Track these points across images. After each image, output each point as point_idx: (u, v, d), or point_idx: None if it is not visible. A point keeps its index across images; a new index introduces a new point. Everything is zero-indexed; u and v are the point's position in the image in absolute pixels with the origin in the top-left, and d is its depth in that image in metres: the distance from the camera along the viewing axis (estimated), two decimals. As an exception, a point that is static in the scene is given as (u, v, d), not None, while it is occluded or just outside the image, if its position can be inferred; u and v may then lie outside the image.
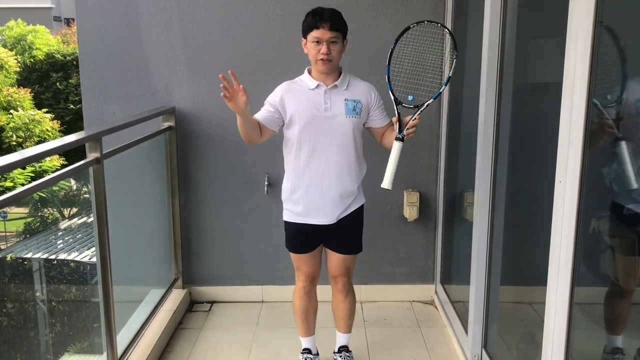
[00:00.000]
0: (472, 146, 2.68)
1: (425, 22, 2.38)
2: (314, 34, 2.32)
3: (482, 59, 2.54)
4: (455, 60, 2.31)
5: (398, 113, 2.35)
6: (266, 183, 3.41)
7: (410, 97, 2.37)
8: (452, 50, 2.33)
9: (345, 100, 2.41)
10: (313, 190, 2.46)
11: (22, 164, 1.92)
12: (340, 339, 2.79)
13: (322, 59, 2.34)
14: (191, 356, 2.94)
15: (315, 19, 2.31)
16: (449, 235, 3.41)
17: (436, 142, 3.42)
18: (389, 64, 2.38)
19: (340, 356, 2.76)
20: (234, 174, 3.46)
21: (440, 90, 2.35)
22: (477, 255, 2.65)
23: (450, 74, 2.32)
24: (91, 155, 2.32)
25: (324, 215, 2.49)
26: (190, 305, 3.52)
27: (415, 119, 2.30)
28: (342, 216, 2.51)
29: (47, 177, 2.20)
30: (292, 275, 3.55)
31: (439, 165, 3.45)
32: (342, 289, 2.65)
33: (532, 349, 2.20)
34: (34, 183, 2.08)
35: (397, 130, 2.31)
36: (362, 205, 2.59)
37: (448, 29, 2.41)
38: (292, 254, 2.63)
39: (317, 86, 2.43)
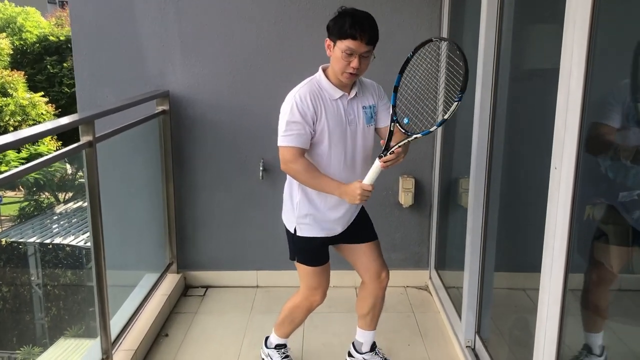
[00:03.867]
0: (468, 132, 2.67)
1: (451, 42, 2.13)
2: (348, 44, 2.05)
3: (478, 45, 2.52)
4: (458, 103, 1.99)
5: (390, 131, 2.14)
6: (261, 168, 3.40)
7: (405, 120, 2.13)
8: (459, 91, 1.99)
9: (363, 108, 2.25)
10: (342, 204, 2.28)
11: (15, 145, 1.89)
12: (372, 337, 2.61)
13: (350, 73, 2.11)
14: (185, 340, 2.94)
15: (355, 28, 2.03)
16: (443, 222, 3.41)
17: (432, 128, 3.41)
18: (401, 72, 2.16)
19: (376, 353, 2.62)
20: (228, 159, 3.44)
21: (431, 130, 2.06)
22: (472, 242, 2.66)
23: (446, 117, 2.02)
24: (84, 139, 2.30)
25: (346, 222, 2.37)
26: (185, 290, 3.52)
27: (398, 147, 2.08)
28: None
29: (40, 160, 2.17)
30: (286, 260, 3.57)
31: (434, 152, 3.44)
32: (386, 284, 2.46)
33: (525, 335, 2.21)
34: (27, 165, 2.06)
35: (383, 148, 2.12)
36: None
37: (465, 63, 1.99)
38: (309, 270, 2.37)
39: (341, 97, 2.20)
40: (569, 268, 1.73)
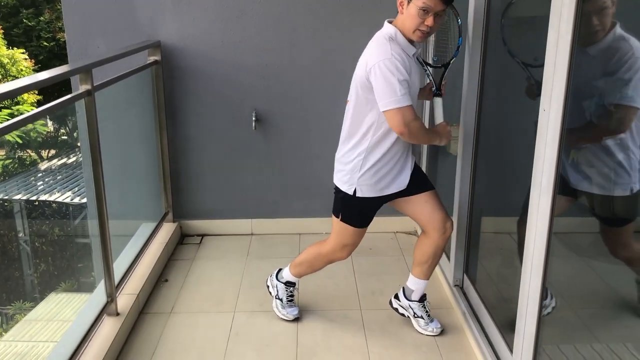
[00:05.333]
0: (458, 80, 2.73)
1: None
2: (426, 1, 2.08)
3: (470, -9, 2.55)
4: (460, 23, 2.45)
5: (429, 74, 2.50)
6: (254, 119, 3.44)
7: (435, 59, 2.62)
8: (456, 16, 2.46)
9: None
10: (402, 160, 2.35)
11: (14, 94, 1.91)
12: (424, 286, 2.61)
13: (422, 30, 2.15)
14: (185, 284, 3.05)
15: None
16: (432, 169, 3.51)
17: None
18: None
19: (423, 306, 2.63)
20: (221, 110, 3.48)
21: (457, 55, 2.50)
22: (460, 187, 2.75)
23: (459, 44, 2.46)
24: (82, 88, 2.31)
25: (406, 179, 2.38)
26: (181, 239, 3.61)
27: (445, 80, 2.45)
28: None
29: (36, 110, 2.17)
30: (280, 209, 3.65)
31: (424, 101, 3.50)
32: (450, 233, 2.49)
33: (511, 274, 2.34)
34: (26, 114, 2.07)
35: (435, 88, 2.47)
36: None
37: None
38: (352, 230, 2.43)
39: (414, 53, 2.26)
40: (555, 207, 1.83)
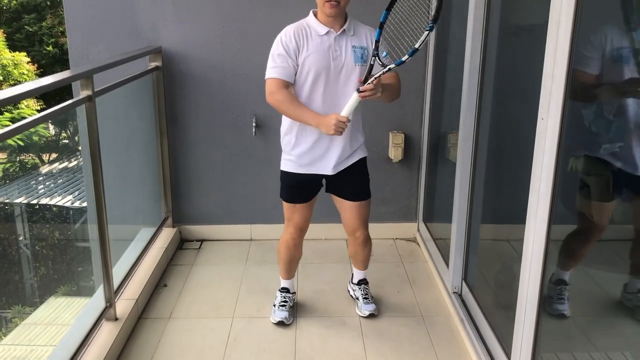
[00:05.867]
0: (457, 88, 2.74)
1: None
2: None
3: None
4: (428, 32, 2.09)
5: (371, 65, 2.27)
6: (254, 124, 3.45)
7: (384, 54, 2.28)
8: (431, 21, 2.09)
9: (353, 47, 2.35)
10: (321, 141, 2.43)
11: (17, 99, 1.92)
12: (359, 275, 2.89)
13: (329, 1, 2.25)
14: (184, 290, 3.05)
15: None
16: (432, 176, 3.52)
17: (421, 84, 3.48)
18: (387, 9, 2.28)
19: (359, 288, 2.88)
20: (221, 115, 3.49)
21: (403, 59, 2.16)
22: (460, 194, 2.76)
23: (417, 46, 2.12)
24: (83, 93, 2.33)
25: (328, 165, 2.47)
26: (181, 244, 3.62)
27: (375, 78, 2.22)
28: (345, 166, 2.51)
29: (37, 115, 2.18)
30: (279, 215, 3.65)
31: (424, 107, 3.52)
32: (362, 242, 2.68)
33: (510, 281, 2.34)
34: (30, 118, 2.08)
35: (362, 82, 2.25)
36: (365, 158, 2.59)
37: None
38: (285, 204, 2.62)
39: (327, 32, 2.34)
40: (553, 215, 1.84)
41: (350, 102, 2.26)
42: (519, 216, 2.07)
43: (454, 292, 2.86)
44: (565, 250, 2.27)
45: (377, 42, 2.28)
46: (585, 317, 2.22)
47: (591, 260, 2.26)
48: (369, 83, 2.22)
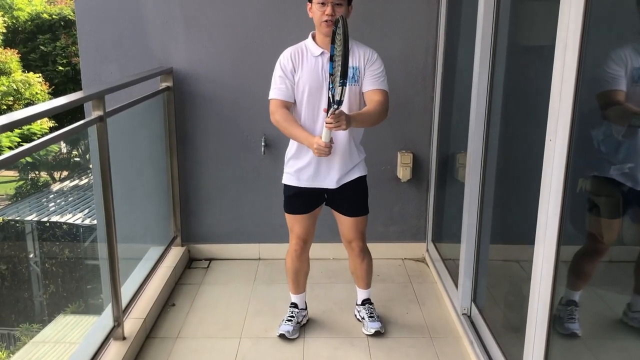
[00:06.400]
0: (465, 108, 2.75)
1: (338, 31, 2.20)
2: None
3: (477, 20, 2.58)
4: (342, 88, 2.12)
5: (328, 97, 2.28)
6: (263, 144, 3.47)
7: (333, 89, 2.23)
8: (340, 77, 2.12)
9: None
10: (319, 158, 2.46)
11: (29, 120, 1.95)
12: (362, 294, 2.90)
13: (326, 21, 2.34)
14: (192, 309, 3.05)
15: None
16: (440, 196, 3.51)
17: (430, 105, 3.49)
18: (332, 42, 2.27)
19: (364, 308, 2.87)
20: (231, 134, 3.52)
21: (334, 107, 2.18)
22: (468, 214, 2.75)
23: (338, 99, 2.15)
24: (95, 114, 2.36)
25: (327, 180, 2.55)
26: (189, 262, 3.62)
27: (328, 117, 2.21)
28: (344, 182, 2.57)
29: (50, 135, 2.21)
30: (288, 234, 3.65)
31: (432, 127, 3.52)
32: (359, 253, 2.73)
33: (519, 303, 2.32)
34: (41, 139, 2.11)
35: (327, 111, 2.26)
36: (365, 177, 2.65)
37: (344, 49, 2.11)
38: (287, 215, 2.70)
39: (322, 53, 2.44)
40: (562, 234, 1.82)
41: (324, 128, 2.27)
42: (528, 237, 2.06)
43: (463, 314, 2.83)
44: (573, 269, 2.26)
45: (331, 75, 2.27)
46: (595, 339, 2.20)
47: (601, 281, 2.24)
48: (328, 116, 2.22)
